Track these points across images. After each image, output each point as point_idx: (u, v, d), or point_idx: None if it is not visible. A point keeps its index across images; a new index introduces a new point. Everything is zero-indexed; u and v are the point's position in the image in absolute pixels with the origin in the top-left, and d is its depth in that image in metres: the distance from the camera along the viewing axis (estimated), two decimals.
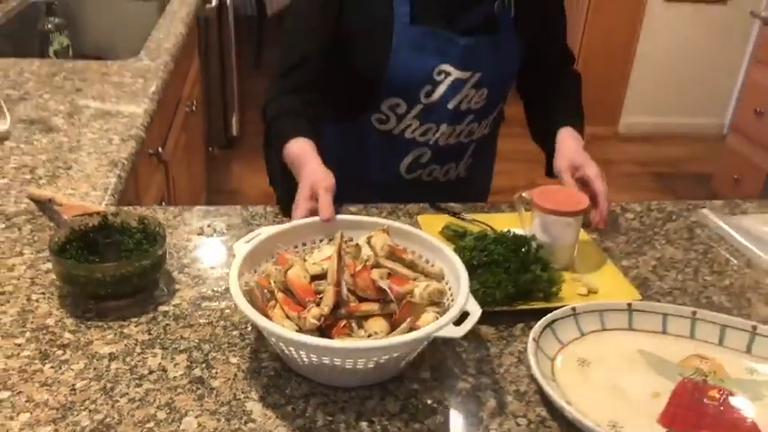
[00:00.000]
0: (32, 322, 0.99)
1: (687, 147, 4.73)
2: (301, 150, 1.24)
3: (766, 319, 1.10)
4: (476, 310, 0.90)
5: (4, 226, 1.20)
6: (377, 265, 0.96)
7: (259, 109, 1.40)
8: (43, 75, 1.89)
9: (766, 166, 3.27)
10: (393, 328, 0.90)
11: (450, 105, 1.38)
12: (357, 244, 1.00)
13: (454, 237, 1.21)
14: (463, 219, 1.30)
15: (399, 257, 0.98)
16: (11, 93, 1.76)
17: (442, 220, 1.28)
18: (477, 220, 1.30)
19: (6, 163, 1.41)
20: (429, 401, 0.90)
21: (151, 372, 0.92)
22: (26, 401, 0.86)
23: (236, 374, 0.92)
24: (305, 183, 1.15)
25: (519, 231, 1.16)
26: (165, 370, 0.92)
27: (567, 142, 1.36)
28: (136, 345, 0.96)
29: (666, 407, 0.90)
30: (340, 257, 0.92)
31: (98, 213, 1.11)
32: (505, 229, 1.16)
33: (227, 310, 1.04)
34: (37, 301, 1.03)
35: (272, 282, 0.95)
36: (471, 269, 1.04)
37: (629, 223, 1.36)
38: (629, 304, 1.04)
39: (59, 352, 0.94)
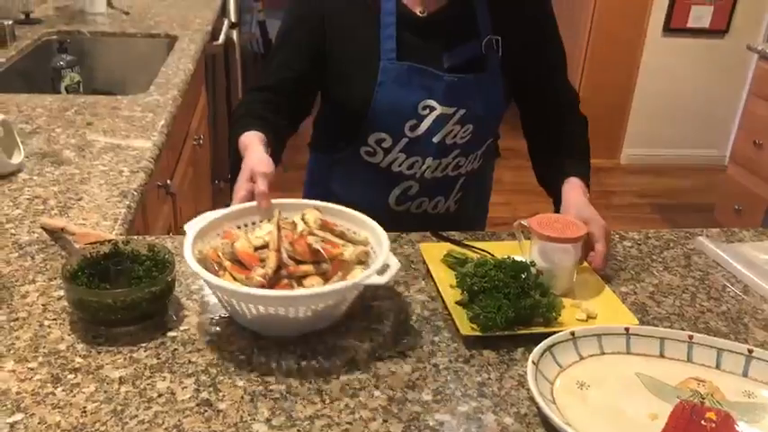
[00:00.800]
0: (45, 347, 1.01)
1: (688, 178, 4.78)
2: (248, 140, 1.31)
3: (763, 343, 1.12)
4: (395, 263, 1.05)
5: (17, 255, 1.24)
6: (311, 235, 1.12)
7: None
8: (55, 109, 1.95)
9: (766, 195, 3.30)
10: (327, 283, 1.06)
11: (435, 139, 1.42)
12: (293, 221, 1.16)
13: (455, 264, 1.24)
14: (464, 245, 1.33)
15: (330, 229, 1.16)
16: (24, 126, 1.81)
17: (443, 248, 1.31)
18: (477, 247, 1.33)
19: (20, 194, 1.45)
20: (431, 423, 0.92)
21: (160, 395, 0.94)
22: (38, 423, 0.88)
23: (242, 397, 0.94)
24: (246, 166, 1.23)
25: (519, 258, 1.19)
26: (173, 393, 0.95)
27: (574, 195, 1.36)
28: (145, 369, 0.99)
29: (665, 428, 0.91)
30: (279, 228, 1.10)
31: (109, 241, 1.14)
32: (505, 256, 1.19)
33: (234, 336, 1.07)
34: (49, 326, 1.06)
35: (220, 254, 1.09)
36: (472, 295, 1.10)
37: (628, 251, 1.39)
38: (627, 329, 1.06)
39: (71, 376, 0.96)
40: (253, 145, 1.30)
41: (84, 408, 0.91)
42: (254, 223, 1.22)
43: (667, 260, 1.36)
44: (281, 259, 1.07)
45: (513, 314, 1.07)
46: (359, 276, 1.03)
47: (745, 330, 1.16)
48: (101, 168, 1.59)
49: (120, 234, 1.36)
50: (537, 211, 1.27)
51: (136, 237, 1.35)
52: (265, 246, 1.10)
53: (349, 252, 1.11)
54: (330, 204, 1.23)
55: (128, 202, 1.46)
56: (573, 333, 1.04)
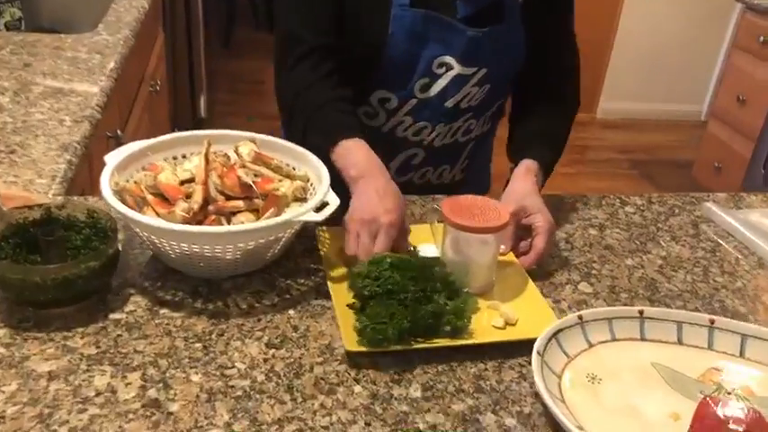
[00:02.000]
0: None
1: (665, 133, 4.68)
2: (359, 157, 1.07)
3: None
4: (334, 200, 0.97)
5: None
6: (243, 167, 1.02)
7: (281, 101, 1.23)
8: None
9: (748, 154, 3.21)
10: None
11: (449, 103, 1.23)
12: (225, 153, 1.05)
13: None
14: None
15: (265, 162, 1.05)
16: None
17: None
18: None
19: None
20: (421, 426, 0.78)
21: (98, 394, 0.79)
22: None
23: (197, 396, 0.80)
24: (371, 211, 0.99)
25: (432, 248, 1.03)
26: (114, 391, 0.79)
27: (520, 181, 1.14)
28: (81, 360, 0.83)
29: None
30: (207, 160, 0.99)
31: (40, 206, 0.97)
32: (412, 248, 1.01)
33: (190, 318, 0.91)
34: None
35: (142, 187, 0.98)
36: (364, 300, 0.91)
37: (630, 218, 1.26)
38: (641, 311, 0.93)
39: None
40: (372, 170, 1.06)
41: (3, 412, 0.75)
42: (184, 156, 1.10)
43: (674, 228, 1.23)
44: (209, 194, 0.98)
45: (409, 324, 0.87)
46: (293, 211, 0.94)
47: (764, 310, 1.04)
48: (38, 117, 1.40)
49: (59, 194, 1.18)
50: None
51: (75, 198, 1.17)
52: (192, 179, 1.00)
53: (285, 187, 1.01)
54: (269, 137, 1.11)
55: (69, 157, 1.27)
56: (581, 317, 0.91)
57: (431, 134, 1.26)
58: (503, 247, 1.03)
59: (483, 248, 0.98)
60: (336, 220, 0.99)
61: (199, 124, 3.73)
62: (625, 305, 1.02)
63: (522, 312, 0.95)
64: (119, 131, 1.73)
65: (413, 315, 0.88)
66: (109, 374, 0.81)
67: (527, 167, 1.15)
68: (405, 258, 0.94)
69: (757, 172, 3.11)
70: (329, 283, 0.97)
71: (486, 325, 0.93)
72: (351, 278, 0.94)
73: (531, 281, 1.01)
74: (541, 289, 1.03)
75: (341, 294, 0.94)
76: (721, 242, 1.21)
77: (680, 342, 0.93)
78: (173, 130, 3.17)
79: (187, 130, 3.53)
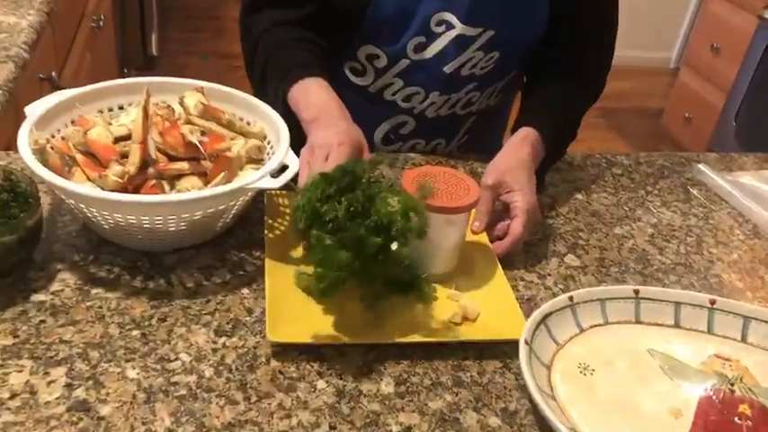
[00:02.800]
0: None
1: (633, 81, 4.59)
2: (322, 102, 0.94)
3: None
4: (294, 162, 0.84)
5: None
6: (189, 124, 0.89)
7: (242, 43, 1.09)
8: None
9: (720, 105, 3.14)
10: (208, 185, 0.83)
11: (448, 68, 1.05)
12: (169, 105, 0.92)
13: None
14: None
15: (215, 116, 0.92)
16: None
17: None
18: None
19: None
20: (395, 429, 0.69)
21: (13, 395, 0.67)
22: None
23: (134, 396, 0.68)
24: (324, 139, 0.88)
25: None
26: (34, 392, 0.67)
27: (515, 149, 0.97)
28: None
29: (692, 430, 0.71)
30: (146, 114, 0.85)
31: None
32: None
33: (127, 300, 0.79)
34: None
35: (70, 145, 0.85)
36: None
37: (618, 180, 1.16)
38: (637, 291, 0.84)
39: None
40: (330, 112, 0.93)
41: None
42: (121, 107, 0.97)
43: (664, 192, 1.14)
44: (148, 154, 0.84)
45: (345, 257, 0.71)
46: (246, 177, 0.81)
47: (762, 285, 0.96)
48: None
49: None
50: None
51: None
52: (128, 136, 0.87)
53: (237, 147, 0.88)
54: (219, 86, 0.98)
55: None
56: (571, 298, 0.81)
57: (423, 102, 1.10)
58: (476, 224, 0.90)
59: (446, 230, 0.84)
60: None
61: (150, 63, 3.50)
62: (616, 281, 0.93)
63: (484, 306, 0.82)
64: (53, 74, 1.56)
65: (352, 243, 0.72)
66: (28, 370, 0.69)
67: (524, 136, 0.99)
68: (339, 170, 0.77)
69: (728, 124, 3.05)
70: (266, 260, 0.84)
71: (436, 320, 0.81)
72: (292, 219, 0.80)
73: (499, 268, 0.88)
74: (525, 262, 0.93)
75: (277, 274, 0.81)
76: (714, 208, 1.12)
77: (677, 325, 0.84)
78: (121, 70, 2.96)
79: (138, 69, 3.28)
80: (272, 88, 1.00)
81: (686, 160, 1.25)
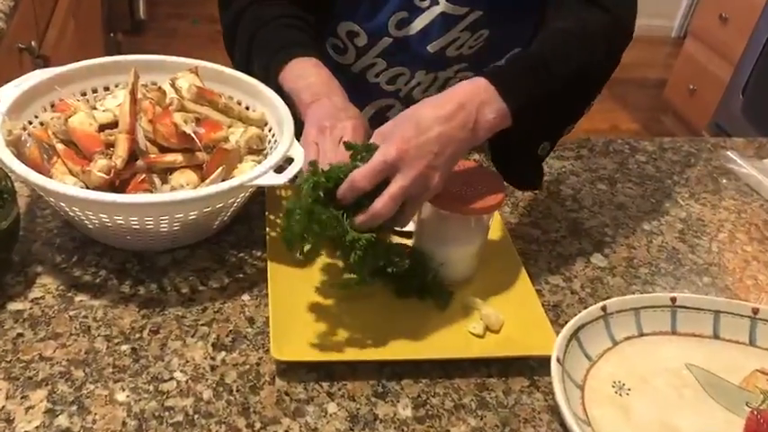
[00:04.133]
0: None
1: (634, 50, 4.48)
2: (321, 82, 0.83)
3: None
4: (300, 155, 0.75)
5: None
6: (182, 110, 0.80)
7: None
8: None
9: (726, 78, 3.05)
10: (204, 180, 0.75)
11: (432, 48, 0.96)
12: (160, 87, 0.84)
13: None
14: None
15: (211, 101, 0.83)
16: None
17: None
18: None
19: None
20: None
21: None
22: None
23: (124, 423, 0.61)
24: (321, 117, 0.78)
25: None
26: (10, 419, 0.60)
27: (443, 98, 0.71)
28: None
29: None
30: (134, 99, 0.76)
31: None
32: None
33: (115, 309, 0.71)
34: None
35: (50, 133, 0.77)
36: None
37: (643, 168, 1.08)
38: (674, 299, 0.77)
39: None
40: (330, 92, 0.82)
41: None
42: (107, 89, 0.87)
43: (692, 183, 1.07)
44: (137, 144, 0.76)
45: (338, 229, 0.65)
46: (247, 174, 0.72)
47: None
48: None
49: None
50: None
51: None
52: (115, 123, 0.78)
53: (236, 137, 0.79)
54: (215, 65, 0.89)
55: None
56: (604, 308, 0.74)
57: (409, 83, 1.00)
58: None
59: (467, 232, 0.76)
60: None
61: (138, 27, 3.37)
62: (646, 283, 0.86)
63: (508, 315, 0.75)
64: (33, 43, 1.45)
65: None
66: (4, 394, 0.62)
67: (469, 87, 0.71)
68: (347, 167, 0.67)
69: (735, 97, 2.96)
70: (269, 263, 0.76)
71: (457, 330, 0.73)
72: (284, 219, 0.69)
73: (524, 272, 0.80)
74: (549, 262, 0.86)
75: (281, 280, 0.74)
76: (745, 200, 1.05)
77: (716, 336, 0.77)
78: (107, 36, 2.84)
79: (124, 33, 3.13)
80: (259, 68, 0.89)
81: (713, 146, 1.17)
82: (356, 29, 0.96)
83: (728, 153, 1.13)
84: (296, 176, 0.74)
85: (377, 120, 1.03)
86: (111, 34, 2.93)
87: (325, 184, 0.66)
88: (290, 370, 0.68)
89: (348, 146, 0.69)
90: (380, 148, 0.67)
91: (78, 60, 0.90)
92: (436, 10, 0.92)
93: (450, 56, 0.97)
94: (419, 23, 0.94)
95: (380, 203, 0.66)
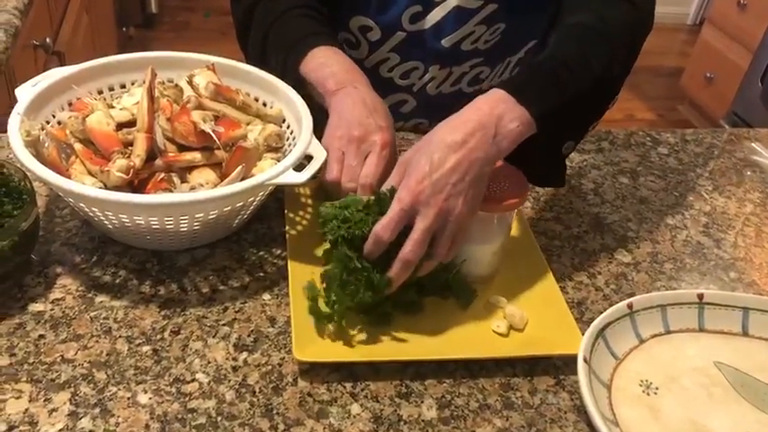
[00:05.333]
0: None
1: (650, 38, 4.43)
2: (345, 70, 0.82)
3: None
4: (320, 154, 0.75)
5: None
6: (200, 108, 0.79)
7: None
8: None
9: (744, 65, 3.01)
10: (223, 178, 0.75)
11: (446, 42, 0.95)
12: (177, 84, 0.84)
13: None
14: None
15: (228, 98, 0.82)
16: None
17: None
18: None
19: None
20: None
21: (11, 427, 0.59)
22: None
23: (147, 425, 0.60)
24: (356, 122, 0.76)
25: None
26: (34, 422, 0.60)
27: (457, 120, 0.69)
28: None
29: None
30: (152, 98, 0.75)
31: None
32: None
33: (136, 309, 0.71)
34: None
35: (68, 133, 0.76)
36: (326, 252, 0.74)
37: (665, 161, 1.06)
38: (701, 296, 0.76)
39: None
40: (355, 80, 0.81)
41: None
42: (123, 86, 0.87)
43: (716, 175, 1.05)
44: (155, 143, 0.75)
45: (369, 294, 0.67)
46: (268, 172, 0.71)
47: None
48: None
49: None
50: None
51: None
52: (132, 122, 0.77)
53: (254, 134, 0.78)
54: (231, 61, 0.88)
55: None
56: (630, 306, 0.73)
57: (422, 77, 0.99)
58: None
59: (489, 229, 0.75)
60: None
61: (149, 21, 3.37)
62: (671, 279, 0.84)
63: (532, 313, 0.74)
64: (48, 39, 1.45)
65: (379, 276, 0.67)
66: (27, 396, 0.61)
67: (485, 103, 0.70)
68: (384, 196, 0.69)
69: (754, 86, 2.92)
70: (289, 262, 0.75)
71: (481, 328, 0.73)
72: (321, 224, 0.72)
73: (548, 269, 0.79)
74: (572, 258, 0.85)
75: (302, 279, 0.73)
76: None
77: (745, 333, 0.76)
78: (119, 30, 2.84)
79: (136, 27, 3.15)
80: (276, 61, 0.88)
81: (736, 137, 1.15)
82: (369, 23, 0.94)
83: (753, 144, 1.11)
84: (315, 175, 0.73)
85: (392, 114, 1.02)
86: (124, 28, 2.93)
87: (351, 234, 0.67)
88: (313, 370, 0.67)
89: (377, 200, 0.69)
90: (396, 195, 0.67)
91: (92, 55, 0.90)
92: (450, 3, 0.91)
93: (465, 50, 0.96)
94: (433, 17, 0.92)
95: (407, 250, 0.66)
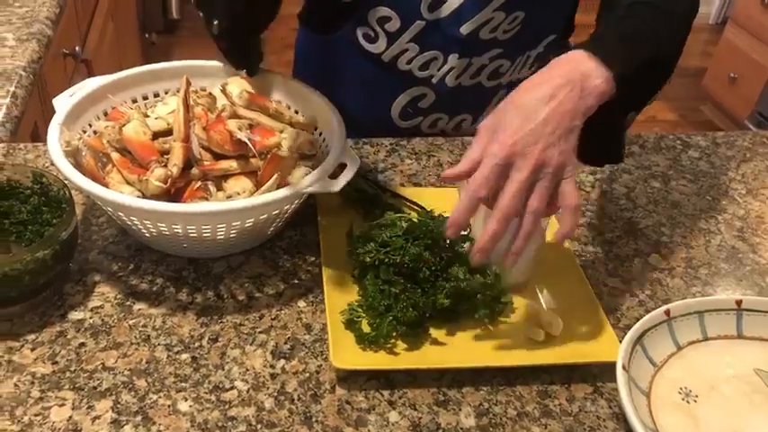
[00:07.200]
0: None
1: None
2: None
3: None
4: (354, 161, 0.76)
5: None
6: (234, 116, 0.80)
7: None
8: None
9: None
10: (258, 187, 0.76)
11: (465, 29, 0.94)
12: (210, 93, 0.85)
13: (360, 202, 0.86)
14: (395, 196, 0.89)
15: (262, 106, 0.82)
16: None
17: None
18: (396, 193, 0.89)
19: None
20: None
21: None
22: None
23: None
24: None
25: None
26: (78, 429, 0.60)
27: (538, 78, 0.68)
28: (32, 384, 0.63)
29: None
30: (187, 107, 0.76)
31: None
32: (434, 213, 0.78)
33: (174, 317, 0.71)
34: None
35: (105, 142, 0.77)
36: (364, 270, 0.74)
37: (696, 164, 1.06)
38: (739, 302, 0.75)
39: None
40: None
41: None
42: (156, 95, 0.88)
43: (748, 178, 1.04)
44: (191, 152, 0.75)
45: (413, 312, 0.69)
46: (303, 180, 0.72)
47: None
48: None
49: (3, 138, 0.96)
50: None
51: (24, 146, 0.94)
52: (169, 131, 0.78)
53: (288, 142, 0.77)
54: (261, 69, 0.89)
55: (12, 88, 1.03)
56: (668, 312, 0.72)
57: (442, 67, 0.98)
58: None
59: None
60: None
61: (171, 26, 3.39)
62: (706, 284, 0.83)
63: (568, 320, 0.73)
64: (77, 48, 1.47)
65: (424, 298, 0.70)
66: (70, 404, 0.62)
67: (565, 62, 0.68)
68: (423, 221, 0.74)
69: None
70: (323, 270, 0.76)
71: (517, 335, 0.72)
72: (350, 242, 0.76)
73: (582, 275, 0.79)
74: (606, 263, 0.84)
75: (337, 287, 0.74)
76: None
77: None
78: (144, 35, 2.86)
79: (158, 33, 3.17)
80: None
81: (767, 139, 1.14)
82: (389, 13, 0.94)
83: None
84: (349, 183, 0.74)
85: (410, 108, 1.04)
86: (147, 35, 2.95)
87: (392, 260, 0.71)
88: (350, 378, 0.67)
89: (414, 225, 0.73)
90: (488, 152, 0.64)
91: (117, 62, 0.91)
92: None
93: (484, 38, 0.96)
94: (452, 4, 0.92)
95: (505, 202, 0.63)
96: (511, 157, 0.63)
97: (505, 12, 0.93)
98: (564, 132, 0.65)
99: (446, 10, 0.93)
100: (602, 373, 0.70)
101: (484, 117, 0.98)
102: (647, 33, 0.74)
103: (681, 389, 0.69)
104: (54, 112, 0.78)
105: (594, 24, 0.79)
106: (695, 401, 0.68)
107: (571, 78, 0.66)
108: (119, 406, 0.62)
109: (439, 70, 0.99)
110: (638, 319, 0.71)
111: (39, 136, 1.16)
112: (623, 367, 0.66)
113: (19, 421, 0.60)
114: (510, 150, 0.63)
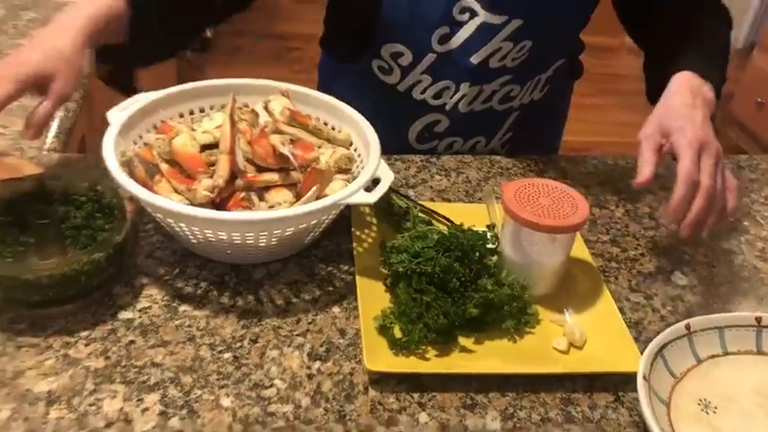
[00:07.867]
0: None
1: None
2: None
3: None
4: (388, 176, 0.80)
5: None
6: (277, 132, 0.86)
7: None
8: None
9: None
10: (298, 198, 0.80)
11: (474, 59, 0.99)
12: (253, 109, 0.90)
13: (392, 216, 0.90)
14: (422, 209, 0.93)
15: (302, 123, 0.89)
16: None
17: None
18: (437, 212, 0.93)
19: None
20: None
21: (108, 424, 0.64)
22: None
23: (230, 427, 0.65)
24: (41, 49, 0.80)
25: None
26: (128, 420, 0.64)
27: (672, 94, 0.87)
28: (86, 377, 0.68)
29: None
30: (233, 122, 0.81)
31: (31, 177, 0.80)
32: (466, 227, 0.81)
33: (216, 318, 0.76)
34: None
35: (155, 153, 0.82)
36: (396, 279, 0.78)
37: None
38: (759, 319, 0.78)
39: None
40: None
41: None
42: (202, 110, 0.93)
43: None
44: (236, 165, 0.80)
45: (444, 320, 0.72)
46: (340, 192, 0.76)
47: None
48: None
49: (54, 149, 1.01)
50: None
51: (77, 156, 0.99)
52: (215, 145, 0.83)
53: (326, 157, 0.84)
54: (301, 88, 0.94)
55: (66, 102, 1.09)
56: (688, 327, 0.75)
57: (453, 96, 1.04)
58: (637, 178, 0.82)
59: (550, 249, 0.78)
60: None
61: (205, 45, 3.49)
62: (727, 302, 0.86)
63: (591, 332, 0.77)
64: None
65: (454, 308, 0.73)
66: (121, 396, 0.66)
67: (681, 80, 0.88)
68: (453, 234, 0.78)
69: None
70: (357, 278, 0.80)
71: (542, 345, 0.76)
72: (383, 252, 0.80)
73: (605, 288, 0.82)
74: (629, 280, 0.87)
75: (370, 294, 0.78)
76: None
77: None
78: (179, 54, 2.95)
79: (193, 51, 3.24)
80: None
81: None
82: (400, 49, 1.00)
83: None
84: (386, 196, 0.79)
85: (426, 133, 1.10)
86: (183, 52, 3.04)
87: (423, 270, 0.75)
88: (382, 380, 0.71)
89: (444, 238, 0.79)
90: (685, 143, 0.80)
91: (156, 78, 0.95)
92: (476, 21, 0.96)
93: (493, 67, 1.01)
94: (461, 36, 0.97)
95: (707, 182, 0.79)
96: (703, 146, 0.81)
97: (513, 42, 0.98)
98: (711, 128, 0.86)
99: (456, 42, 0.98)
100: (623, 383, 0.73)
101: (498, 138, 1.07)
102: (725, 54, 0.98)
103: (700, 400, 0.72)
104: (106, 124, 0.83)
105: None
106: (714, 413, 0.71)
107: (695, 92, 0.87)
108: (166, 399, 0.67)
109: (451, 98, 1.04)
110: (658, 333, 0.74)
111: (86, 147, 1.21)
112: (644, 377, 0.69)
113: (75, 410, 0.64)
114: (702, 141, 0.81)
